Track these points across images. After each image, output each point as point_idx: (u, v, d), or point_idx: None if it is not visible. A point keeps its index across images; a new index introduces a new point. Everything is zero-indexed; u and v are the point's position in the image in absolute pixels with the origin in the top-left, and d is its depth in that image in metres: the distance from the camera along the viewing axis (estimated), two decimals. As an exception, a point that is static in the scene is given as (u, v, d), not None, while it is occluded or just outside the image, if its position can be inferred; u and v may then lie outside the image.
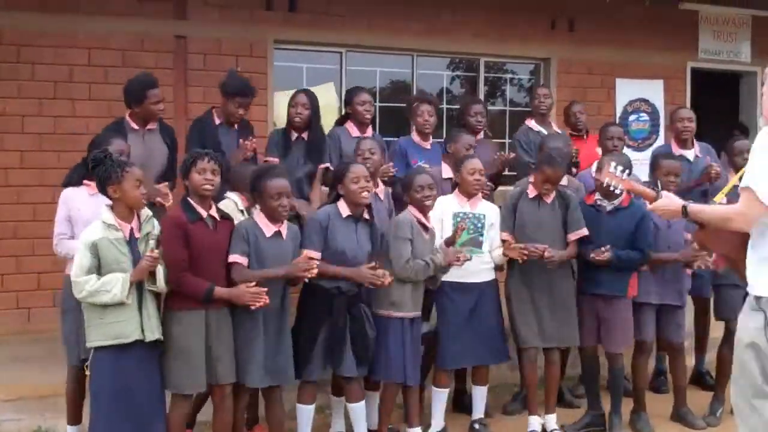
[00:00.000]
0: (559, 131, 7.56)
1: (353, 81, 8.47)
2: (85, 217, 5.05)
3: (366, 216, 5.41)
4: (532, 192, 5.95)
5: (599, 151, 7.07)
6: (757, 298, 3.84)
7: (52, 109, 7.46)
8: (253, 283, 4.84)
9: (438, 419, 5.94)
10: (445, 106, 9.16)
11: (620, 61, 9.77)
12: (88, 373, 4.61)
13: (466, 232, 5.85)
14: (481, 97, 9.27)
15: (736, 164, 6.29)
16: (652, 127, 9.85)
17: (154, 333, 4.65)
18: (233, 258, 4.91)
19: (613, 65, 9.76)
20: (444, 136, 7.86)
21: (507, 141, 9.25)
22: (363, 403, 5.46)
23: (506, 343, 6.03)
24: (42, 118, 7.42)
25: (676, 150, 6.95)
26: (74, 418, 5.37)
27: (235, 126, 6.39)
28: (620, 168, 4.66)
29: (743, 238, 4.00)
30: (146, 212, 4.81)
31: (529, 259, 5.76)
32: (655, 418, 6.22)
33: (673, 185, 5.95)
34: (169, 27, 7.83)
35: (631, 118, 9.84)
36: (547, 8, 9.37)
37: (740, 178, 4.05)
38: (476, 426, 6.00)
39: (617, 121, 9.45)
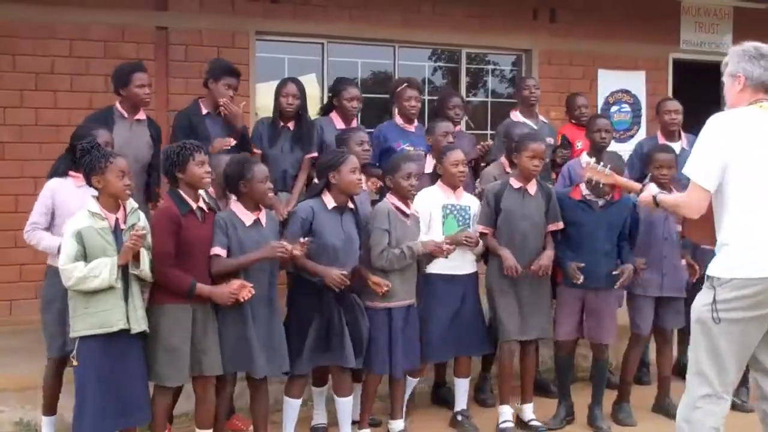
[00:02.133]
0: (546, 121, 7.57)
1: (335, 72, 8.46)
2: (71, 209, 5.00)
3: (350, 206, 5.41)
4: (516, 183, 5.90)
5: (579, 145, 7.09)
6: (709, 277, 4.14)
7: (33, 101, 7.42)
8: (236, 284, 4.84)
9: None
10: (426, 97, 9.15)
11: (602, 52, 9.79)
12: (75, 363, 4.58)
13: (456, 224, 5.85)
14: (463, 88, 9.30)
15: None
16: (634, 118, 9.89)
17: (140, 325, 4.65)
18: (213, 251, 4.93)
19: (594, 56, 9.77)
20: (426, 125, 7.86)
21: (489, 132, 9.28)
22: (351, 397, 5.48)
23: (487, 335, 6.05)
24: (23, 110, 7.38)
25: (662, 142, 6.94)
26: (50, 409, 5.38)
27: (222, 115, 6.38)
28: (601, 164, 4.88)
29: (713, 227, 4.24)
30: (131, 204, 4.80)
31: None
32: (637, 410, 6.25)
33: (665, 179, 5.96)
34: (151, 18, 7.80)
35: (613, 109, 9.87)
36: (529, -1, 9.40)
37: None
38: (459, 417, 6.01)
39: (598, 111, 9.48)
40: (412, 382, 5.95)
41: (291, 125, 6.50)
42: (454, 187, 5.91)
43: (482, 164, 6.90)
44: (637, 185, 4.67)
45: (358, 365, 5.39)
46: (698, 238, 4.87)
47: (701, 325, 4.11)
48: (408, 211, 5.63)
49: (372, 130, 6.98)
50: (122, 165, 4.66)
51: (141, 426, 4.84)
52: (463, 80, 9.40)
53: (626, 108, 9.91)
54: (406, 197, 5.61)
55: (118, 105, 6.12)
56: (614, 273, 5.80)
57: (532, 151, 5.80)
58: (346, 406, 5.47)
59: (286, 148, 6.46)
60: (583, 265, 5.78)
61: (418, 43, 9.12)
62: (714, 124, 4.13)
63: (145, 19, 7.76)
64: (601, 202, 5.90)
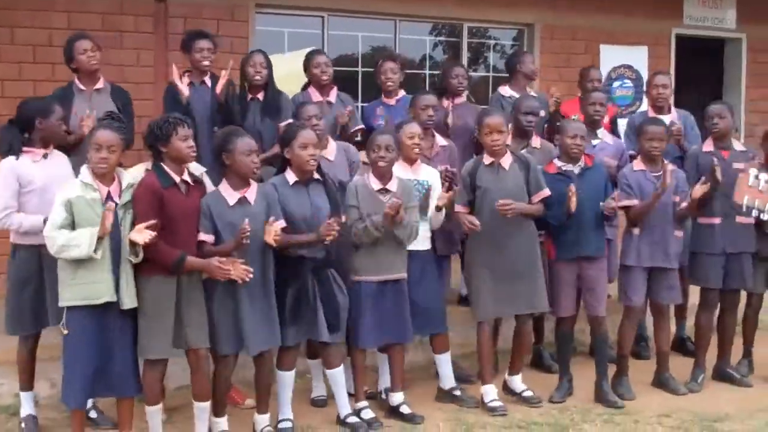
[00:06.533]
0: (535, 94, 7.48)
1: (335, 46, 8.45)
2: (38, 185, 5.06)
3: (316, 177, 5.36)
4: (487, 159, 5.84)
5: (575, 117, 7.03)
6: None
7: (31, 73, 7.40)
8: (226, 261, 4.81)
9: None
10: (427, 71, 9.14)
11: (604, 27, 9.74)
12: (65, 332, 4.63)
13: (415, 199, 5.79)
14: (464, 62, 9.23)
15: (708, 129, 6.31)
16: (636, 93, 9.80)
17: (132, 300, 4.67)
18: (199, 237, 4.93)
19: (597, 31, 9.72)
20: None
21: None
22: (341, 369, 5.48)
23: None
24: (21, 82, 7.36)
25: (652, 115, 6.90)
26: (28, 385, 5.43)
27: (207, 82, 6.39)
28: None
29: None
30: (128, 179, 4.79)
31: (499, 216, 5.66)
32: (637, 384, 6.22)
33: (656, 150, 5.99)
34: (150, -10, 7.74)
35: (615, 84, 9.80)
36: (532, -27, 9.32)
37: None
38: (457, 392, 5.96)
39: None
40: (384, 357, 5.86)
41: (260, 96, 6.49)
42: (411, 161, 5.87)
43: None
44: None
45: (334, 339, 5.38)
46: None
47: None
48: (386, 186, 5.57)
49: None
50: (100, 138, 4.68)
51: (127, 396, 4.88)
52: (465, 55, 9.34)
53: (628, 83, 9.84)
54: (378, 172, 5.57)
55: (76, 80, 6.16)
56: (601, 204, 5.79)
57: (488, 126, 5.76)
58: (336, 378, 5.48)
59: (257, 118, 6.43)
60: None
61: (419, 17, 9.07)
62: None
63: (144, -9, 7.70)
64: (577, 170, 5.91)
